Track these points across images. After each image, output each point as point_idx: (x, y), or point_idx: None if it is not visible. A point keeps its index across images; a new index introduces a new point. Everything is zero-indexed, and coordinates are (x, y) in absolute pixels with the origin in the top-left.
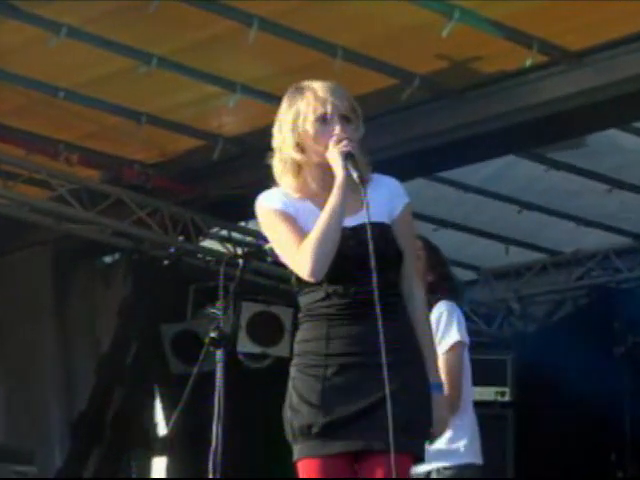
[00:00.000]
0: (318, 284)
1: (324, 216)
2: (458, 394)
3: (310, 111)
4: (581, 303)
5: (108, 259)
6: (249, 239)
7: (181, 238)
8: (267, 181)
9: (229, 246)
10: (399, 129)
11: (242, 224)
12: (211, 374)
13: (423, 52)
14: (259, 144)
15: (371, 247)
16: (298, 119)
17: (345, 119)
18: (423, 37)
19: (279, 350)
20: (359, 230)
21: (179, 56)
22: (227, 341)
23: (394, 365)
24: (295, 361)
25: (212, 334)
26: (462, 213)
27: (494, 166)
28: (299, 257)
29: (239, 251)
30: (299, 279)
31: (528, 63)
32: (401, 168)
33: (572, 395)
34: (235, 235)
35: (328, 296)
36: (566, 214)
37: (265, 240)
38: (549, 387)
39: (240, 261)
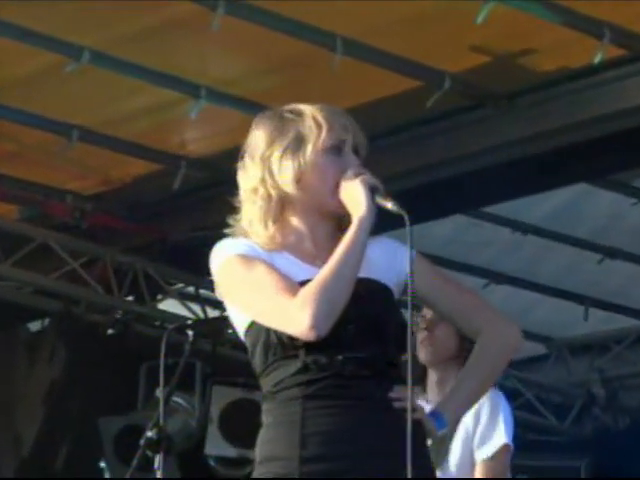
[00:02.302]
0: (294, 355)
1: (340, 252)
2: None
3: (318, 138)
4: None
5: (34, 327)
6: None
7: (130, 298)
8: None
9: (197, 309)
10: (423, 148)
11: None
12: None
13: (455, 43)
14: (236, 168)
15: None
16: (301, 147)
17: (357, 152)
18: (454, 23)
19: None
20: (357, 285)
21: (120, 48)
22: (170, 444)
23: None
24: (256, 473)
25: (149, 433)
26: (521, 263)
27: (561, 198)
28: (295, 306)
29: (212, 314)
30: (268, 350)
31: (597, 59)
32: (428, 202)
33: None
34: (206, 293)
35: (305, 367)
36: None
37: None
38: None
39: (189, 333)
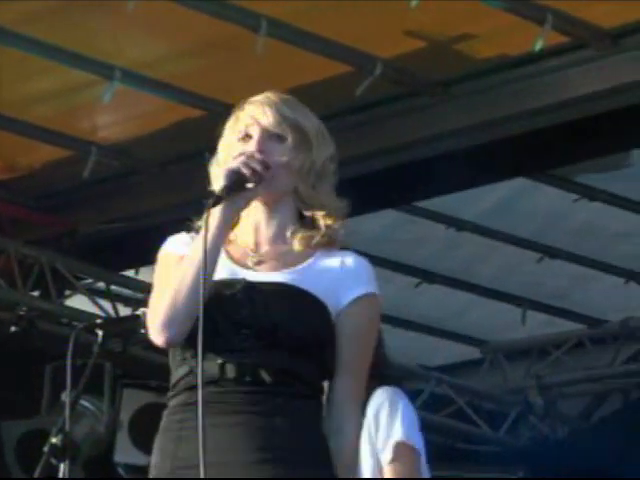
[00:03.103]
0: (183, 358)
1: (189, 255)
2: None
3: (234, 130)
4: (633, 397)
5: None
6: (141, 296)
7: (35, 294)
8: (166, 209)
9: (108, 306)
10: (352, 138)
11: (128, 274)
12: None
13: (388, 27)
14: (151, 156)
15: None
16: (224, 144)
17: (276, 137)
18: (387, 6)
19: None
20: (260, 287)
21: (29, 26)
22: (76, 451)
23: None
24: None
25: (54, 439)
26: (456, 262)
27: (500, 194)
28: (152, 309)
29: (124, 312)
30: (174, 352)
31: (538, 46)
32: (359, 197)
33: None
34: (118, 290)
35: (191, 372)
36: (609, 265)
37: None
38: None
39: (99, 332)
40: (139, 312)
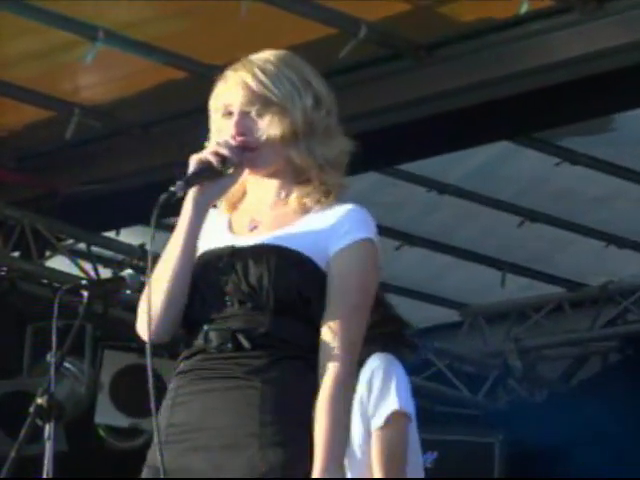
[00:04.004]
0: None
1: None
2: None
3: (216, 107)
4: (613, 360)
5: None
6: (121, 257)
7: (16, 254)
8: (148, 171)
9: (89, 267)
10: (336, 102)
11: (109, 235)
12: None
13: None
14: (134, 117)
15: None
16: (212, 120)
17: (253, 115)
18: None
19: None
20: (243, 252)
21: None
22: (62, 410)
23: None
24: None
25: (39, 400)
26: (437, 225)
27: (482, 157)
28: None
29: (105, 274)
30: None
31: (523, 9)
32: None
33: None
34: (99, 251)
35: (187, 344)
36: (590, 229)
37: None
38: None
39: (84, 293)
40: (124, 273)
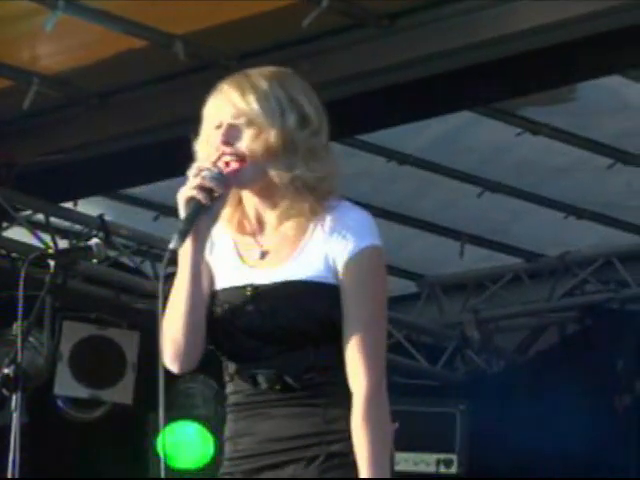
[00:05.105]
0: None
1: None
2: None
3: (208, 120)
4: (570, 331)
5: None
6: (78, 228)
7: None
8: (107, 141)
9: (47, 238)
10: (297, 71)
11: (67, 206)
12: (9, 429)
13: None
14: (94, 87)
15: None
16: (203, 128)
17: (237, 130)
18: None
19: (117, 394)
20: (266, 291)
21: None
22: (28, 381)
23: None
24: None
25: (6, 370)
26: (397, 196)
27: (442, 127)
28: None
29: (63, 245)
30: None
31: None
32: None
33: (553, 466)
34: (57, 222)
35: (232, 378)
36: (549, 200)
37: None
38: (518, 455)
39: (51, 262)
40: (91, 243)
